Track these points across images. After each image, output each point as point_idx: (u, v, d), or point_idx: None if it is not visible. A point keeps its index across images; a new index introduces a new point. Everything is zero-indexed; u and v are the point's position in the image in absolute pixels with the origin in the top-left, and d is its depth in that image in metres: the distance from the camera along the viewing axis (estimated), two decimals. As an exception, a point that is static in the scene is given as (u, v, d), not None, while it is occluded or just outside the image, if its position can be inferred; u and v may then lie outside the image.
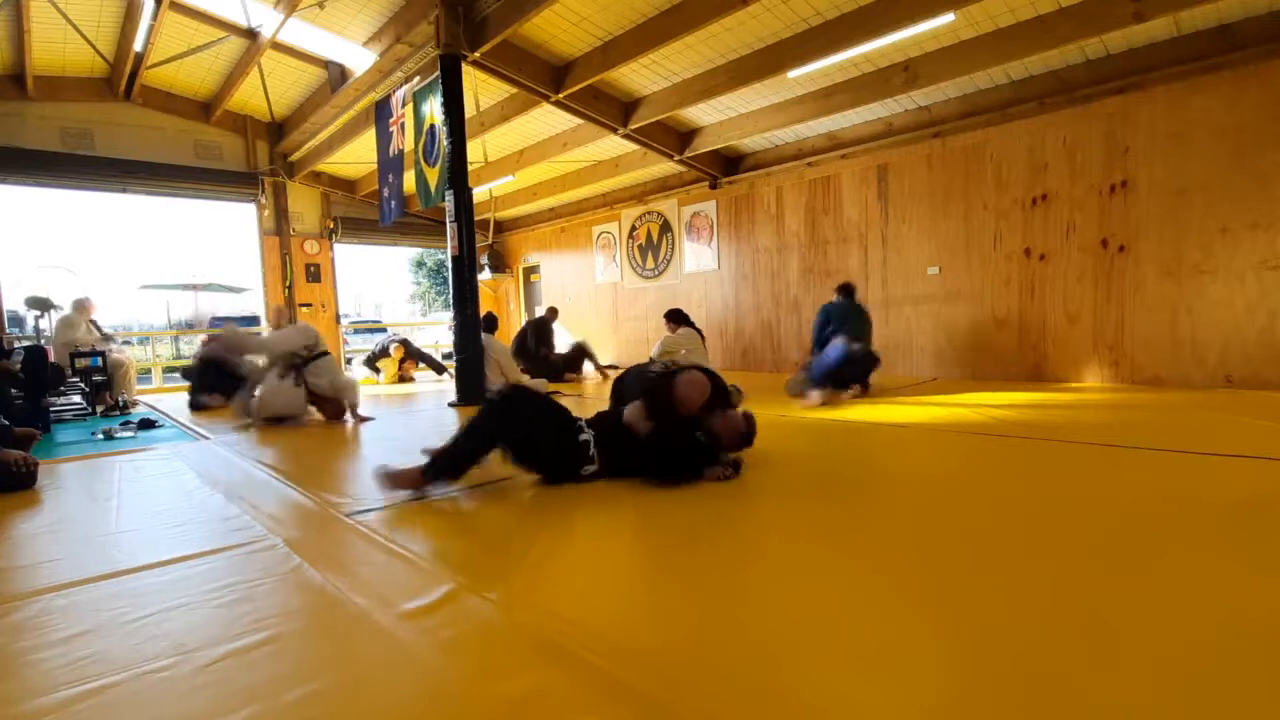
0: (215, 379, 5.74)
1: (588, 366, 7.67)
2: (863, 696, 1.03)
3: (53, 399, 5.21)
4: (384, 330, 17.76)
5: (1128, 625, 1.23)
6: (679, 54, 5.58)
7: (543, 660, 1.16)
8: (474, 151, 6.91)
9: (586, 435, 2.50)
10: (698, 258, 8.33)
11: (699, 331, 6.09)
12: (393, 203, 6.57)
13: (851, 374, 4.77)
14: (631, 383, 2.92)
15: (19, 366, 4.63)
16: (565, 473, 2.50)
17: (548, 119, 7.13)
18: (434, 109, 5.37)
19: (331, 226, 9.77)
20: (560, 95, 5.99)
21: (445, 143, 5.16)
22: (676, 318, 6.02)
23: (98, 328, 6.55)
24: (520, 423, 2.41)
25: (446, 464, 2.39)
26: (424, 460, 2.40)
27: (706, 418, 2.58)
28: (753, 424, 2.73)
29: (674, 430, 2.49)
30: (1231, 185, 4.54)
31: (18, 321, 9.91)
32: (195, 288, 17.43)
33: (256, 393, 4.60)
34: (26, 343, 6.98)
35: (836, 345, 4.70)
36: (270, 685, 1.11)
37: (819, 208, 7.02)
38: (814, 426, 3.75)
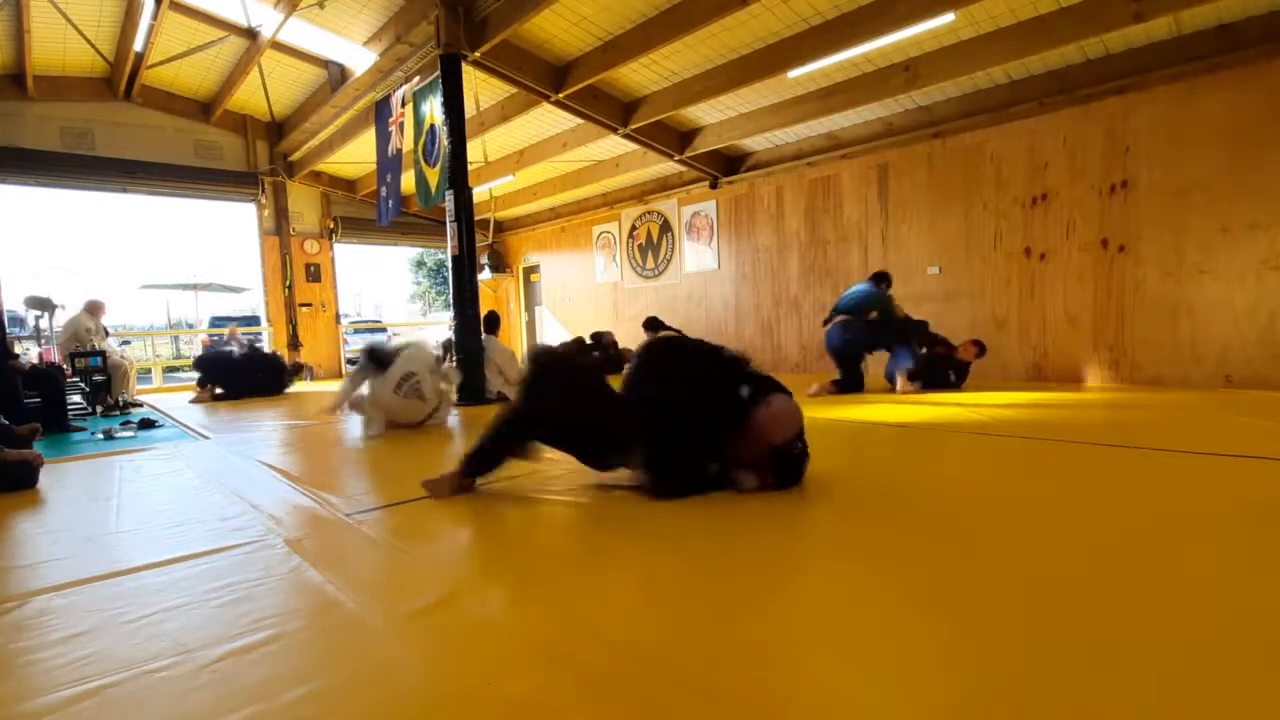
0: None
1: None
2: (863, 697, 1.03)
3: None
4: (384, 330, 17.76)
5: (1128, 625, 1.23)
6: (679, 54, 5.58)
7: (543, 660, 1.16)
8: (474, 151, 6.91)
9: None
10: (698, 257, 8.32)
11: (679, 335, 6.17)
12: (390, 202, 6.57)
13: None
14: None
15: (29, 366, 4.74)
16: (603, 449, 2.32)
17: (548, 119, 7.13)
18: (434, 109, 5.37)
19: (331, 226, 9.77)
20: (560, 95, 5.99)
21: (446, 143, 5.16)
22: (653, 325, 6.04)
23: (105, 331, 6.58)
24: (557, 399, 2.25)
25: (479, 458, 2.32)
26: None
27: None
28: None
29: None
30: (1231, 185, 4.54)
31: (18, 321, 9.91)
32: (195, 288, 17.41)
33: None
34: (27, 343, 7.01)
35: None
36: (270, 685, 1.11)
37: (819, 207, 7.01)
38: (812, 426, 3.74)
